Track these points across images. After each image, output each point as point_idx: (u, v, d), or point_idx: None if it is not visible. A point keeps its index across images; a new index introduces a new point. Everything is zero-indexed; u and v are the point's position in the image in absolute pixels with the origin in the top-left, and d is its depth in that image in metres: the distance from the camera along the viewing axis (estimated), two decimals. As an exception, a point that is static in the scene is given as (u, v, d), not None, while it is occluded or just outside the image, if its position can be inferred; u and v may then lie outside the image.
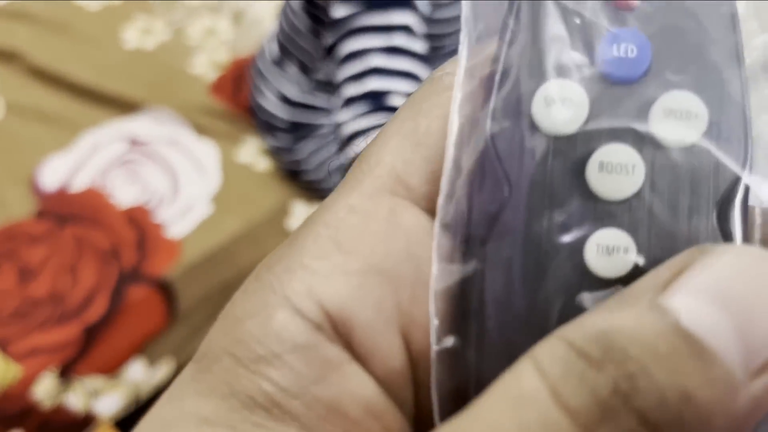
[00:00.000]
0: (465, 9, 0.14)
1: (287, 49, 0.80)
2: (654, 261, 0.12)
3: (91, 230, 0.83)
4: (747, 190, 0.12)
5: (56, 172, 0.88)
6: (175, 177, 0.87)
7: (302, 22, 0.76)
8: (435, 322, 0.13)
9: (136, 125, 0.92)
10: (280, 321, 0.12)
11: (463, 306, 0.13)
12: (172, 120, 0.92)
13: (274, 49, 0.83)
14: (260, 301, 0.13)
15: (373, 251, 0.13)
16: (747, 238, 0.12)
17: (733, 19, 0.13)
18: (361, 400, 0.12)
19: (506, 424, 0.10)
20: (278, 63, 0.83)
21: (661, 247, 0.12)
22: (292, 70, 0.82)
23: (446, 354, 0.13)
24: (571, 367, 0.10)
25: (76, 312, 0.76)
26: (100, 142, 0.90)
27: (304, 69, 0.81)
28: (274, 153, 0.88)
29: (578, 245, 0.12)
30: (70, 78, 0.96)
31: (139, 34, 1.01)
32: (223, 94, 0.94)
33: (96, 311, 0.76)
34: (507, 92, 0.13)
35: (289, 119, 0.83)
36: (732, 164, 0.12)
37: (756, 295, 0.10)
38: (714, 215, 0.12)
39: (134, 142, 0.90)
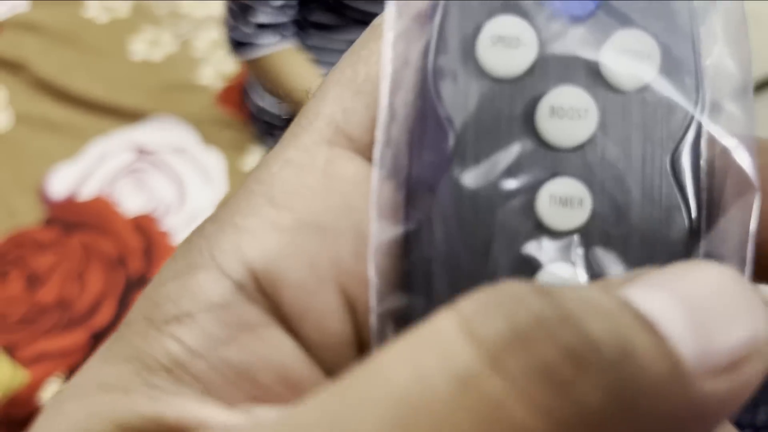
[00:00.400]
0: None
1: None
2: (609, 212, 0.12)
3: (99, 238, 0.84)
4: (700, 130, 0.12)
5: (64, 181, 0.89)
6: (181, 186, 0.88)
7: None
8: (375, 281, 0.11)
9: (143, 134, 0.93)
10: (198, 281, 0.11)
11: (407, 262, 0.12)
12: (179, 129, 0.93)
13: None
14: (185, 263, 0.12)
15: (308, 205, 0.12)
16: (697, 181, 0.12)
17: None
18: (275, 366, 0.11)
19: (407, 355, 0.09)
20: None
21: (617, 196, 0.12)
22: None
23: (389, 315, 0.11)
24: (490, 302, 0.09)
25: (83, 318, 0.77)
26: (108, 151, 0.91)
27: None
28: None
29: (529, 196, 0.12)
30: (78, 89, 0.98)
31: (147, 46, 1.03)
32: (230, 104, 0.95)
33: (103, 318, 0.77)
34: (448, 30, 0.12)
35: (288, 115, 0.84)
36: (685, 104, 0.12)
37: (719, 303, 0.09)
38: (668, 160, 0.12)
39: (141, 151, 0.91)
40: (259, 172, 0.12)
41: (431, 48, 0.12)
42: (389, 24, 0.12)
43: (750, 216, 0.11)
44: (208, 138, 0.92)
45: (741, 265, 0.11)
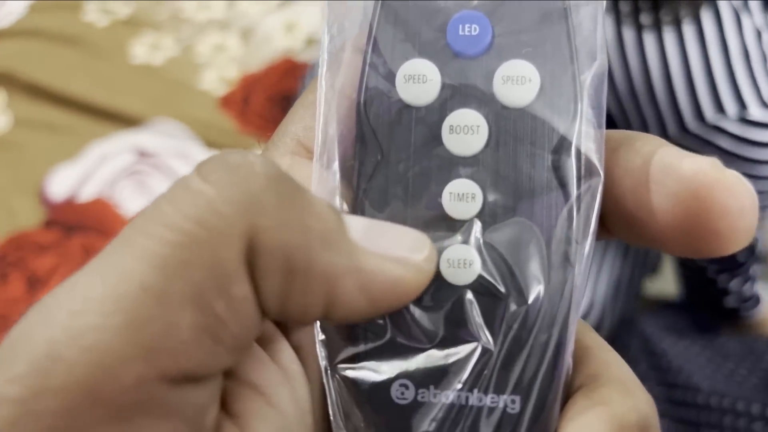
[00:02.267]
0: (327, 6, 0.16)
1: None
2: (496, 204, 0.15)
3: (99, 240, 0.84)
4: (575, 141, 0.14)
5: (64, 183, 0.89)
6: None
7: None
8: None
9: (144, 137, 0.93)
10: None
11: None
12: (180, 133, 0.93)
13: None
14: None
15: None
16: (579, 181, 0.14)
17: None
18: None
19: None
20: None
21: (504, 192, 0.15)
22: None
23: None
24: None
25: (83, 320, 0.77)
26: (108, 153, 0.92)
27: None
28: None
29: (437, 194, 0.15)
30: (77, 92, 0.98)
31: (147, 50, 1.03)
32: (232, 110, 0.96)
33: (104, 320, 0.77)
34: (377, 67, 0.15)
35: None
36: (561, 120, 0.14)
37: None
38: (549, 163, 0.14)
39: (142, 154, 0.91)
40: None
41: (361, 83, 0.15)
42: (323, 62, 0.16)
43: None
44: (210, 143, 0.92)
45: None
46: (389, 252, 0.14)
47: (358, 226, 0.14)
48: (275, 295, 0.13)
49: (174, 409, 0.12)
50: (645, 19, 0.52)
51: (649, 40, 0.52)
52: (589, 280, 0.52)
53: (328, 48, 0.16)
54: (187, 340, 0.12)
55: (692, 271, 0.76)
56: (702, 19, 0.51)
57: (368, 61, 0.15)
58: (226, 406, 0.14)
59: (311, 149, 0.16)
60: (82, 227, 0.85)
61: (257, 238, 0.13)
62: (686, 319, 0.79)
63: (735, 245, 0.13)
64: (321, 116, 0.16)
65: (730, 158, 0.56)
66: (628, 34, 0.53)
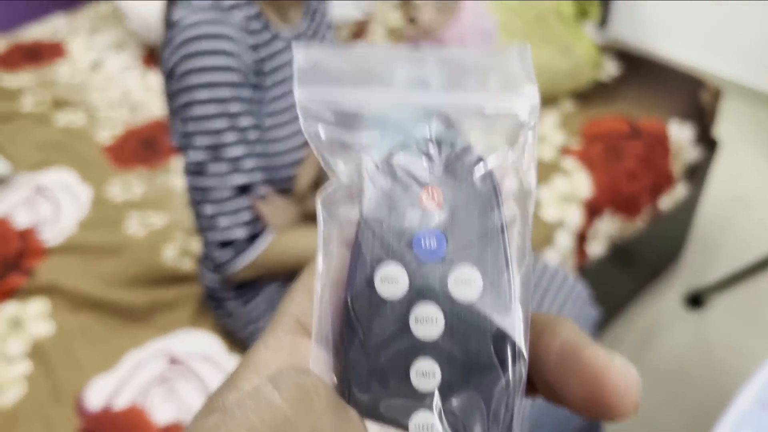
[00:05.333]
0: (320, 211, 0.19)
1: None
2: (453, 380, 0.18)
3: (131, 450, 0.88)
4: (509, 330, 0.18)
5: (101, 392, 0.95)
6: (207, 392, 0.93)
7: None
8: None
9: (174, 343, 1.00)
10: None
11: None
12: (206, 339, 1.00)
13: None
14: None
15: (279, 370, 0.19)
16: (514, 361, 0.18)
17: (496, 198, 0.19)
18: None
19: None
20: None
21: (459, 371, 0.18)
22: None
23: None
24: None
25: None
26: (142, 360, 0.98)
27: None
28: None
29: (406, 371, 0.18)
30: (117, 299, 1.07)
31: (177, 254, 1.14)
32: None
33: None
34: (360, 271, 0.19)
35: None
36: (499, 313, 0.18)
37: None
38: (491, 348, 0.18)
39: (172, 361, 0.98)
40: (250, 352, 0.19)
41: (349, 281, 0.19)
42: (319, 264, 0.19)
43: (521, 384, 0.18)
44: (232, 348, 0.99)
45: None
46: None
47: None
48: None
49: None
50: None
51: None
52: None
53: (323, 236, 0.19)
54: None
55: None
56: None
57: (354, 265, 0.19)
58: None
59: (308, 328, 0.19)
60: (115, 437, 0.90)
61: None
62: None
63: (625, 415, 0.17)
64: (318, 303, 0.19)
65: None
66: None
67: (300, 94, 0.19)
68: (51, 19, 1.92)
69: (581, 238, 1.21)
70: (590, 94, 1.44)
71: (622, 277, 1.45)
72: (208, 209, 0.80)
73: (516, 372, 0.18)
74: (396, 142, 0.19)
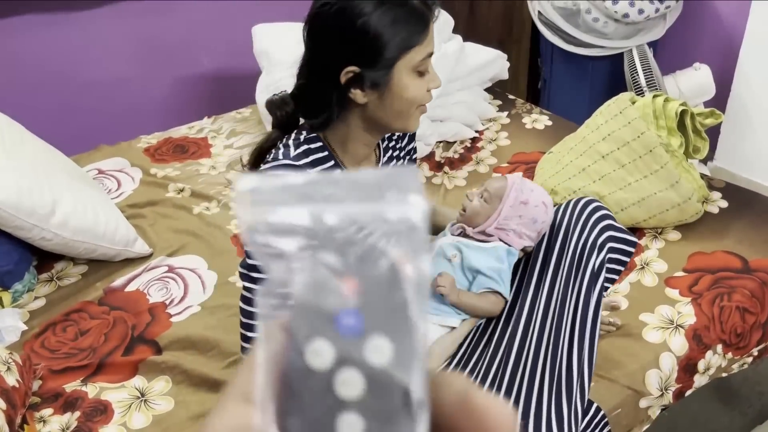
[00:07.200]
0: (259, 302, 0.22)
1: None
2: (374, 430, 0.20)
3: None
4: (416, 386, 0.21)
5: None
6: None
7: None
8: None
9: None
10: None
11: None
12: None
13: None
14: None
15: None
16: (419, 410, 0.21)
17: (399, 282, 0.22)
18: None
19: None
20: None
21: (378, 423, 0.21)
22: None
23: None
24: None
25: None
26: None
27: None
28: None
29: (333, 426, 0.21)
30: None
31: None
32: None
33: None
34: (293, 348, 0.21)
35: None
36: (405, 373, 0.21)
37: None
38: (401, 401, 0.21)
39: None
40: (206, 422, 0.22)
41: (284, 356, 0.21)
42: (261, 336, 0.22)
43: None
44: None
45: None
46: None
47: None
48: None
49: None
50: None
51: None
52: None
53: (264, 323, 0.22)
54: None
55: None
56: None
57: (288, 343, 0.21)
58: None
59: (252, 398, 0.21)
60: None
61: None
62: None
63: None
64: (260, 377, 0.21)
65: None
66: None
67: (241, 213, 0.22)
68: (200, 121, 2.17)
69: (685, 367, 1.20)
70: (696, 226, 1.46)
71: (725, 414, 1.39)
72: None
73: (421, 419, 0.21)
74: (320, 243, 0.22)
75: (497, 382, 1.02)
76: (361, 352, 0.21)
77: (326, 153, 1.00)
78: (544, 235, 1.11)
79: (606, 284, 1.04)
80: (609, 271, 1.07)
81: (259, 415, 0.21)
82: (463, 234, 1.13)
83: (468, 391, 0.22)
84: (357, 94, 0.95)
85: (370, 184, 0.23)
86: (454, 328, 1.08)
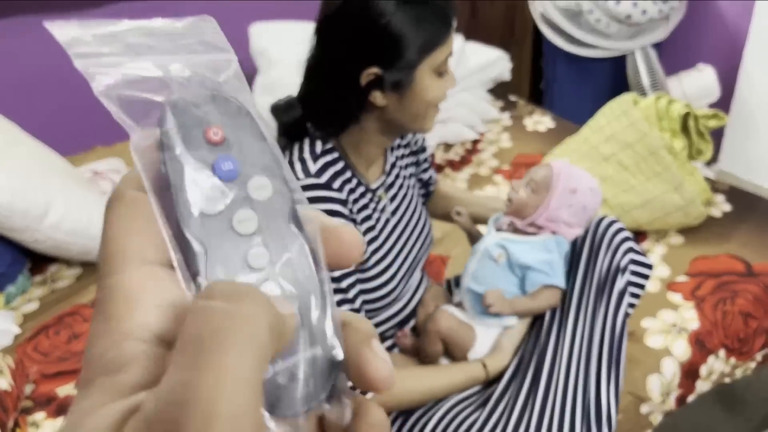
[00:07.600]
0: (137, 158, 0.22)
1: None
2: (275, 249, 0.22)
3: None
4: (298, 210, 0.23)
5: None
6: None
7: None
8: None
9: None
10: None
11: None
12: None
13: None
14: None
15: None
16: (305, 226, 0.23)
17: (252, 120, 0.23)
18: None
19: None
20: None
21: (276, 244, 0.22)
22: None
23: None
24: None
25: None
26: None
27: None
28: None
29: (241, 253, 0.22)
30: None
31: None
32: None
33: None
34: (183, 200, 0.22)
35: None
36: (287, 199, 0.23)
37: None
38: (292, 221, 0.23)
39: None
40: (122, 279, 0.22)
41: (179, 210, 0.22)
42: (150, 193, 0.22)
43: None
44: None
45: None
46: None
47: None
48: None
49: None
50: None
51: None
52: None
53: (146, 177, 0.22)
54: None
55: None
56: None
57: (177, 196, 0.22)
58: None
59: (150, 261, 0.22)
60: None
61: None
62: None
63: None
64: (165, 234, 0.22)
65: None
66: None
67: (79, 63, 0.22)
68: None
69: (687, 372, 1.18)
70: (699, 230, 1.44)
71: (728, 420, 1.37)
72: None
73: (311, 232, 0.23)
74: (179, 99, 0.23)
75: (526, 415, 0.95)
76: (246, 191, 0.23)
77: (343, 164, 0.95)
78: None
79: (628, 310, 0.98)
80: (630, 295, 1.00)
81: (182, 281, 0.21)
82: (513, 228, 1.07)
83: (323, 221, 0.24)
84: (377, 96, 0.91)
85: (178, 33, 0.25)
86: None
